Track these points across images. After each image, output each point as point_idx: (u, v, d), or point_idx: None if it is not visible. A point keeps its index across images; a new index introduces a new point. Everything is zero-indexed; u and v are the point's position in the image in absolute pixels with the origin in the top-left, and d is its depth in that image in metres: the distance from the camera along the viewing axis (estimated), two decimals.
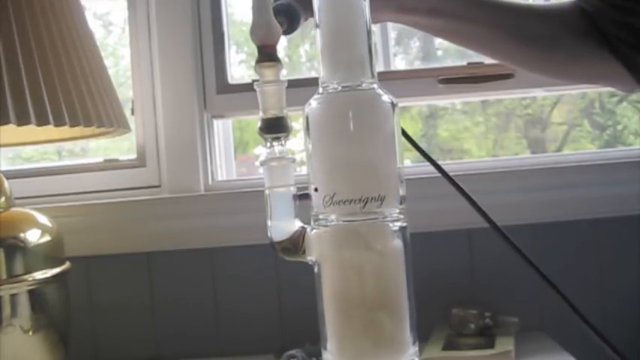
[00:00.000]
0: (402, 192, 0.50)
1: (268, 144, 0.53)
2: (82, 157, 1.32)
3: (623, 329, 1.09)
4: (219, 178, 1.20)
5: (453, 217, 1.09)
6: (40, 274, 0.87)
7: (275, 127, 0.53)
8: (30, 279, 0.85)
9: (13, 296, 0.84)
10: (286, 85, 0.54)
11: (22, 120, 0.78)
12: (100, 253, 1.12)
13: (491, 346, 0.93)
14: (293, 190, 0.54)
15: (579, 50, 0.72)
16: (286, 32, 0.62)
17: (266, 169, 0.54)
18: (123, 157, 1.22)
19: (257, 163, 1.00)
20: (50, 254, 0.90)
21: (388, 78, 1.15)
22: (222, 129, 1.24)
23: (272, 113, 0.53)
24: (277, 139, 0.53)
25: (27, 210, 0.93)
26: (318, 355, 0.51)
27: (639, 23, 0.68)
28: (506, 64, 0.80)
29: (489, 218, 0.57)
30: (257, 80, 0.54)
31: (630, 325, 1.03)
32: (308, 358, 0.89)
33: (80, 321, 0.99)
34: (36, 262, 0.87)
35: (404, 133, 0.57)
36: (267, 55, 0.52)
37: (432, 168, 1.23)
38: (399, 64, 1.28)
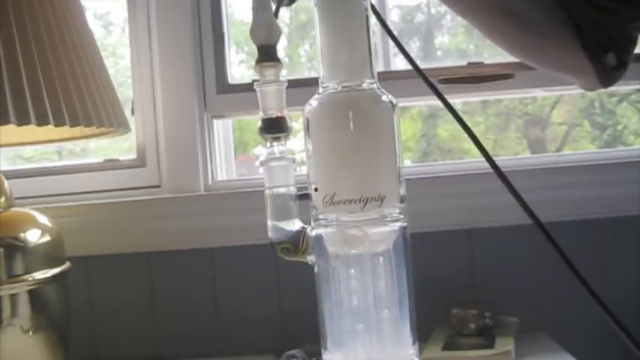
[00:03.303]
0: (402, 192, 0.50)
1: (268, 144, 0.53)
2: (82, 157, 1.32)
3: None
4: (219, 178, 1.20)
5: (453, 217, 1.10)
6: (40, 274, 0.86)
7: (275, 127, 0.53)
8: (30, 279, 0.85)
9: (13, 296, 0.84)
10: (286, 85, 0.54)
11: (22, 120, 0.78)
12: (100, 253, 1.12)
13: (491, 346, 0.93)
14: (293, 190, 0.54)
15: (555, 37, 0.71)
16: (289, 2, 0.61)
17: (266, 169, 0.54)
18: (123, 157, 1.22)
19: (257, 163, 1.00)
20: (50, 254, 0.90)
21: (388, 78, 1.15)
22: (222, 129, 1.24)
23: (272, 113, 0.53)
24: (277, 139, 0.53)
25: (27, 210, 0.92)
26: (318, 355, 0.51)
27: (612, 23, 0.68)
28: (481, 32, 0.78)
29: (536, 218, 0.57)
30: (257, 80, 0.54)
31: (630, 325, 1.03)
32: (308, 358, 0.89)
33: (80, 321, 0.99)
34: (36, 262, 0.87)
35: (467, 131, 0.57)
36: (267, 55, 0.52)
37: (432, 168, 1.22)
38: (399, 64, 1.28)
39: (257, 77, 0.54)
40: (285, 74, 0.55)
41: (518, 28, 0.71)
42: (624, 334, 0.51)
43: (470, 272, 1.10)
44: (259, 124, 0.54)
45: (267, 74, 0.53)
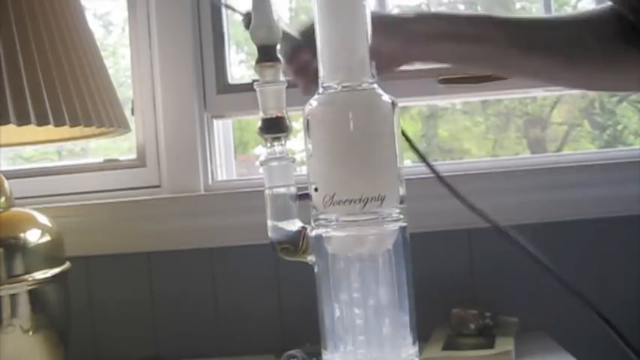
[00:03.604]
0: (402, 192, 0.50)
1: (268, 144, 0.53)
2: (82, 157, 1.32)
3: (623, 329, 1.09)
4: (219, 178, 1.20)
5: (453, 217, 1.09)
6: (40, 274, 0.86)
7: (275, 127, 0.53)
8: (30, 279, 0.85)
9: (13, 296, 0.84)
10: (286, 85, 0.54)
11: (22, 120, 0.78)
12: (100, 253, 1.12)
13: (491, 346, 0.93)
14: (293, 190, 0.54)
15: (617, 57, 0.67)
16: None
17: (266, 169, 0.54)
18: (123, 157, 1.22)
19: (257, 163, 1.00)
20: (50, 254, 0.90)
21: (388, 78, 1.15)
22: (222, 129, 1.24)
23: (272, 113, 0.53)
24: (277, 139, 0.53)
25: (27, 210, 0.92)
26: (318, 355, 0.51)
27: None
28: (544, 82, 0.75)
29: (490, 219, 0.57)
30: (257, 80, 0.54)
31: (631, 325, 1.03)
32: (308, 358, 0.89)
33: (80, 321, 0.99)
34: (36, 262, 0.87)
35: (403, 134, 0.57)
36: (266, 55, 0.52)
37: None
38: None
39: (257, 77, 0.54)
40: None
41: (567, 62, 0.68)
42: (614, 332, 0.51)
43: (470, 272, 1.10)
44: (259, 124, 0.54)
45: (267, 74, 0.53)
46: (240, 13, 0.63)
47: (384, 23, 0.61)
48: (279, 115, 0.53)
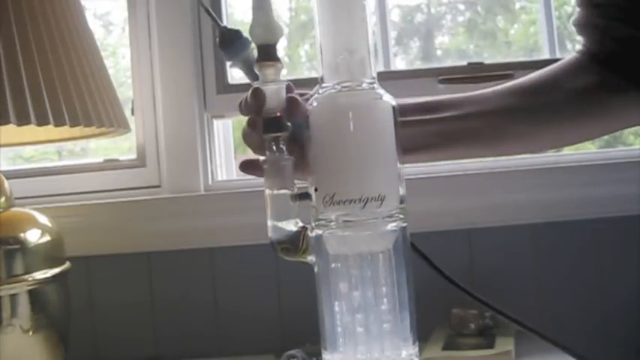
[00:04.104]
0: (402, 192, 0.50)
1: (268, 144, 0.53)
2: (82, 157, 1.32)
3: (623, 329, 1.09)
4: (219, 178, 1.20)
5: (453, 217, 1.10)
6: (40, 274, 0.86)
7: (275, 127, 0.52)
8: (30, 279, 0.85)
9: (13, 296, 0.84)
10: (285, 85, 0.54)
11: (22, 120, 0.78)
12: (100, 253, 1.12)
13: (491, 346, 0.93)
14: (293, 190, 0.54)
15: (601, 104, 0.63)
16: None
17: (266, 169, 0.54)
18: (123, 157, 1.22)
19: None
20: (50, 254, 0.90)
21: (388, 78, 1.15)
22: (222, 129, 1.24)
23: (272, 112, 0.53)
24: (277, 138, 0.52)
25: (27, 210, 0.92)
26: (318, 355, 0.51)
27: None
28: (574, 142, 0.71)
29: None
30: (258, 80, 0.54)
31: (631, 325, 1.03)
32: (308, 358, 0.89)
33: (80, 321, 0.99)
34: (36, 262, 0.87)
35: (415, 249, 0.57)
36: (266, 54, 0.52)
37: (432, 168, 1.22)
38: (399, 64, 1.28)
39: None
40: (285, 74, 0.55)
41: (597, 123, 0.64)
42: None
43: (470, 272, 1.10)
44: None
45: (267, 74, 0.53)
46: (218, 24, 0.62)
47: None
48: (279, 114, 0.52)
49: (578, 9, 0.66)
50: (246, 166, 0.59)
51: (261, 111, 0.53)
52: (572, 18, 0.67)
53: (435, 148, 0.62)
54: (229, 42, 0.59)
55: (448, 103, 0.63)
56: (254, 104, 0.53)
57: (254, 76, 0.56)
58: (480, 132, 0.63)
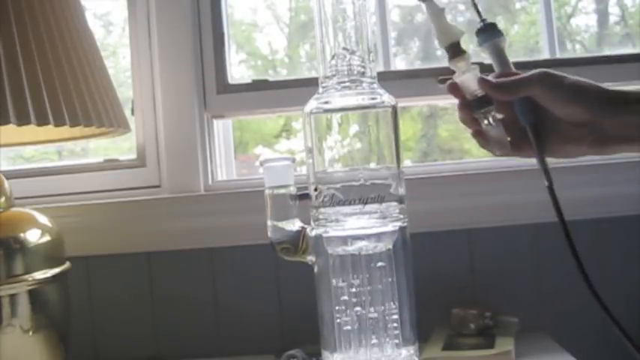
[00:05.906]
0: (402, 192, 0.50)
1: (482, 119, 0.61)
2: (82, 157, 1.32)
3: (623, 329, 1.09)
4: (219, 178, 1.20)
5: (453, 217, 1.10)
6: (40, 274, 0.86)
7: (486, 103, 0.60)
8: (30, 279, 0.85)
9: (13, 296, 0.84)
10: (478, 69, 0.62)
11: (22, 120, 0.78)
12: (100, 253, 1.12)
13: (491, 346, 0.93)
14: (293, 190, 0.54)
15: None
16: None
17: (266, 169, 0.54)
18: (123, 157, 1.22)
19: (257, 163, 0.99)
20: (50, 254, 0.90)
21: (388, 78, 1.15)
22: (222, 129, 1.24)
23: (478, 93, 0.60)
24: (486, 112, 0.60)
25: (27, 210, 0.92)
26: (318, 355, 0.51)
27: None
28: None
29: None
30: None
31: (631, 326, 1.03)
32: (308, 358, 0.89)
33: (80, 321, 0.99)
34: (36, 262, 0.87)
35: None
36: (455, 52, 0.61)
37: (432, 168, 1.22)
38: (399, 64, 1.28)
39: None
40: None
41: None
42: (622, 333, 0.50)
43: (470, 272, 1.10)
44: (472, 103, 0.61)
45: (460, 66, 0.61)
46: (480, 17, 0.67)
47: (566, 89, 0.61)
48: (482, 93, 0.60)
49: None
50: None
51: (464, 97, 0.62)
52: None
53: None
54: (483, 29, 0.67)
55: None
56: (455, 96, 0.63)
57: (501, 61, 0.66)
58: None
